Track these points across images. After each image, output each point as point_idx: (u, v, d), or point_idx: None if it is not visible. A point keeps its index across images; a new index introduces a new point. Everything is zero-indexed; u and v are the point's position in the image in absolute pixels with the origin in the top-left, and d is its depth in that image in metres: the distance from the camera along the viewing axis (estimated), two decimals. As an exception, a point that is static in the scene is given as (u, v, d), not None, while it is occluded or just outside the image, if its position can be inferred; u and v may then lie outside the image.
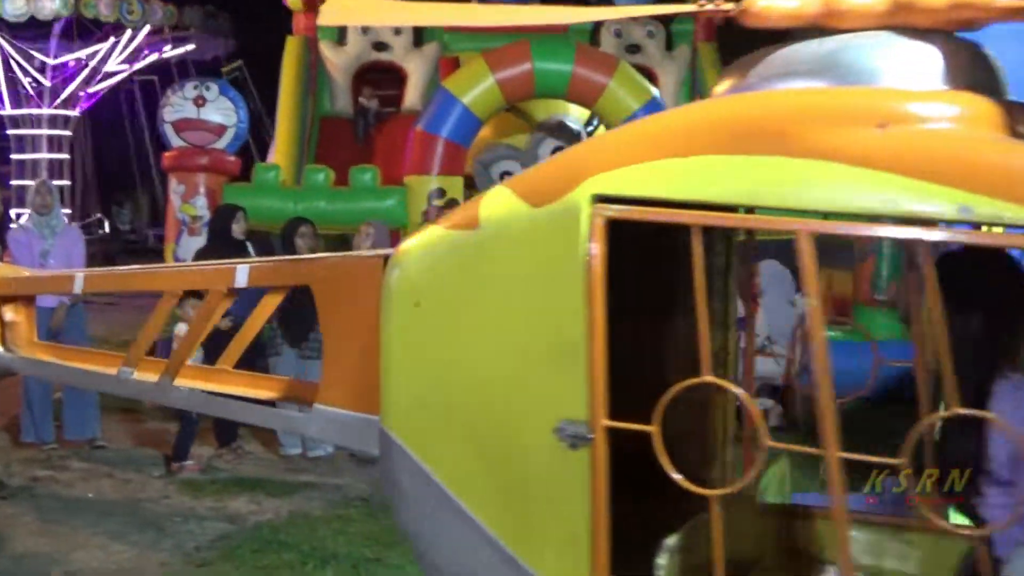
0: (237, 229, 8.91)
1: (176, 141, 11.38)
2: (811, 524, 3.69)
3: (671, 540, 3.01)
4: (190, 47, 28.26)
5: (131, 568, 6.40)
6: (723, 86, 3.24)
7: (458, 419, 3.21)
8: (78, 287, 4.70)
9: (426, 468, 3.22)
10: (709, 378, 2.76)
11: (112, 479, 8.29)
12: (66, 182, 28.06)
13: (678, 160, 2.90)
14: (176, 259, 11.14)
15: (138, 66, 28.75)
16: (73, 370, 4.83)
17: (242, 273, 3.98)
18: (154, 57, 28.45)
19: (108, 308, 15.37)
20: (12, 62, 26.99)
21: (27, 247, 9.04)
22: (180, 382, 4.26)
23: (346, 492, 7.97)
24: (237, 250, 8.83)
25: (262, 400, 4.32)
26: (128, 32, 26.86)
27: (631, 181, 2.94)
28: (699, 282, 2.75)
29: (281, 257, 4.28)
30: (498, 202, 3.18)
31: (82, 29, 26.88)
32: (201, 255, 8.95)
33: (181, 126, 11.32)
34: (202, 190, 11.14)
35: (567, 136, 12.97)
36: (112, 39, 27.10)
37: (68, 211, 27.70)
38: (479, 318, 3.17)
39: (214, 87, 11.54)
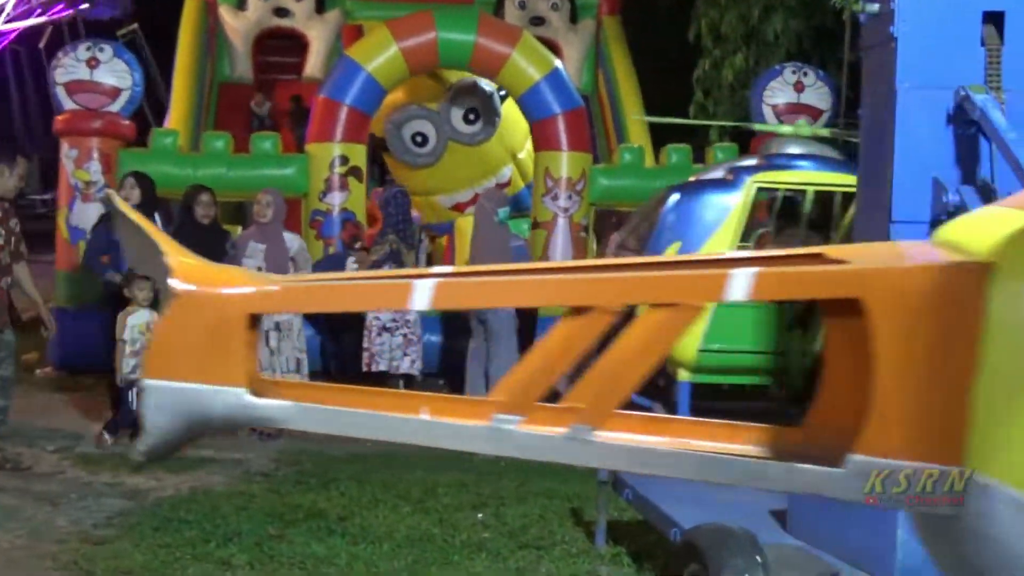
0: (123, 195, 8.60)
1: (68, 104, 10.98)
2: None
3: None
4: (84, 6, 27.49)
5: (25, 546, 6.18)
6: None
7: None
8: (421, 302, 2.65)
9: None
10: None
11: (2, 453, 8.01)
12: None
13: None
14: (69, 227, 10.78)
15: (21, 25, 27.87)
16: (393, 421, 2.70)
17: (740, 281, 2.62)
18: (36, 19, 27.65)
19: None
20: None
21: None
22: (606, 435, 2.70)
23: (247, 467, 7.82)
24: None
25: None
26: None
27: None
28: None
29: (793, 251, 2.60)
30: None
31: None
32: (101, 222, 8.67)
33: (73, 88, 10.92)
34: (96, 155, 10.78)
35: (480, 97, 12.84)
36: None
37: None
38: None
39: (108, 48, 11.16)
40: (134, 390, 7.71)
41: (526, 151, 13.31)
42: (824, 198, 8.24)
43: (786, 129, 8.18)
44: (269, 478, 7.52)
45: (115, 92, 10.93)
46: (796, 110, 11.99)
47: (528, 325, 10.29)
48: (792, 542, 5.21)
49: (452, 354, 10.13)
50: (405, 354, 9.36)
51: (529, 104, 11.59)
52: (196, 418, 2.57)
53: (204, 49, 15.35)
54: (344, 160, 11.23)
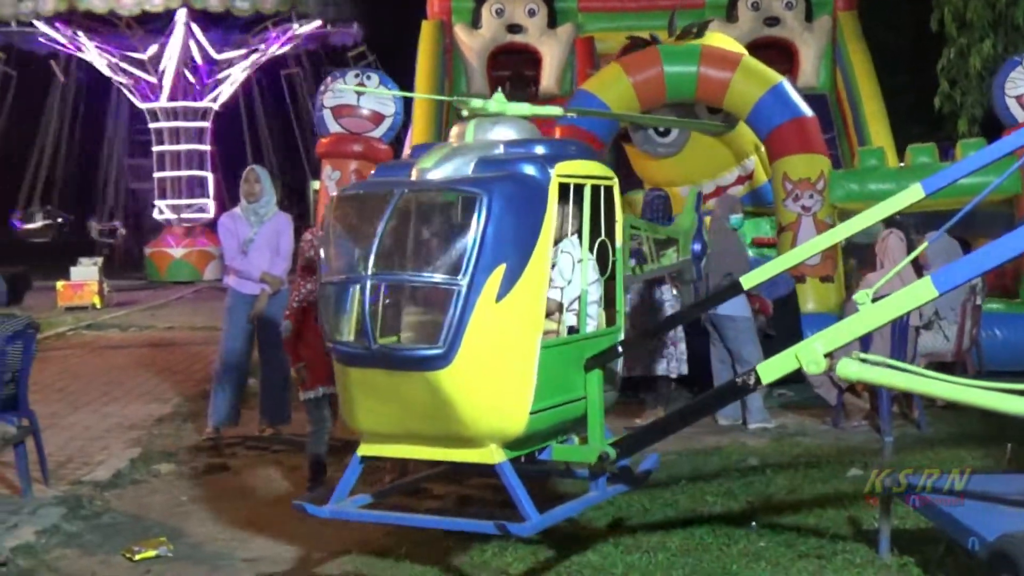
0: None
1: (334, 127, 11.50)
2: None
3: None
4: (314, 25, 28.68)
5: (309, 558, 6.38)
6: None
7: None
8: None
9: None
10: None
11: (281, 466, 8.33)
12: (207, 173, 28.59)
13: None
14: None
15: (258, 57, 29.19)
16: None
17: None
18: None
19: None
20: (139, 57, 27.69)
21: (233, 235, 9.09)
22: None
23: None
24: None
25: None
26: (294, 24, 27.55)
27: None
28: None
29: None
30: None
31: (233, 23, 27.60)
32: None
33: (340, 112, 11.44)
34: (354, 177, 11.20)
35: None
36: (272, 32, 27.77)
37: (208, 201, 28.30)
38: None
39: (374, 76, 11.74)
40: None
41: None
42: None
43: (476, 104, 5.84)
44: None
45: (378, 118, 11.43)
46: (1043, 101, 11.40)
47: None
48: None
49: (694, 358, 9.93)
50: (662, 357, 9.31)
51: (757, 121, 11.60)
52: None
53: (441, 67, 15.72)
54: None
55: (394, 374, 5.33)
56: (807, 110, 11.66)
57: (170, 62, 27.37)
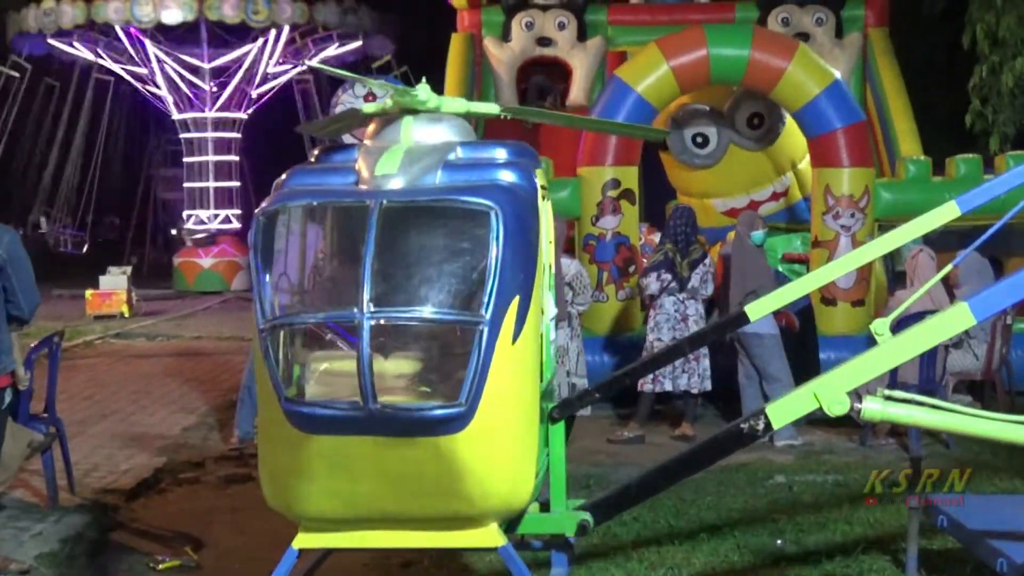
0: None
1: (348, 139, 11.41)
2: None
3: None
4: (356, 44, 28.79)
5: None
6: None
7: None
8: None
9: None
10: None
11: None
12: (236, 183, 28.67)
13: None
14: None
15: (292, 70, 29.28)
16: None
17: None
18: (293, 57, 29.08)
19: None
20: (169, 68, 27.81)
21: None
22: None
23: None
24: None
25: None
26: (274, 32, 27.66)
27: None
28: None
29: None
30: None
31: (242, 32, 27.67)
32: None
33: (352, 123, 11.36)
34: (374, 187, 11.18)
35: (767, 102, 12.61)
36: (261, 40, 27.86)
37: (238, 212, 28.40)
38: None
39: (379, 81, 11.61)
40: None
41: (806, 161, 13.00)
42: None
43: (420, 97, 4.64)
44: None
45: (388, 126, 11.32)
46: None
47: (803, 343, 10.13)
48: None
49: (721, 372, 9.88)
50: (684, 372, 9.36)
51: (807, 119, 11.23)
52: None
53: (471, 80, 15.71)
54: (616, 183, 11.22)
55: (389, 441, 4.15)
56: (859, 113, 11.50)
57: (238, 74, 27.58)
